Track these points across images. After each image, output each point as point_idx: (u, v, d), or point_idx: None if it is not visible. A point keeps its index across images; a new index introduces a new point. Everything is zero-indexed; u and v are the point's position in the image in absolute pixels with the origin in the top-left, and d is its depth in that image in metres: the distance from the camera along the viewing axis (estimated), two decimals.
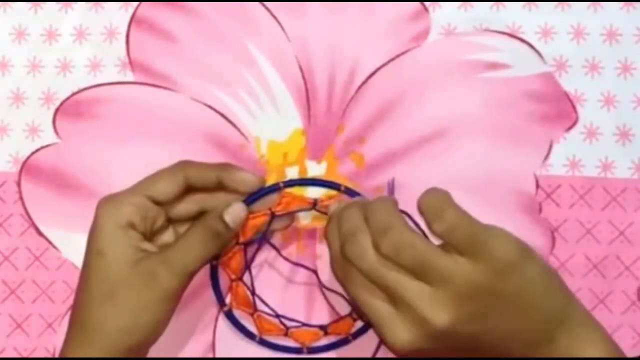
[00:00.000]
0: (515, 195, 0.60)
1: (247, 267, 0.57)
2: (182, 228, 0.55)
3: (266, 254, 0.60)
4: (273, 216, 0.55)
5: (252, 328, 0.58)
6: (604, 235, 0.60)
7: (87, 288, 0.52)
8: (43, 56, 0.61)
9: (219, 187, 0.54)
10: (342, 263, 0.49)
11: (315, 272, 0.59)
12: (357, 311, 0.56)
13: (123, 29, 0.61)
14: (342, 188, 0.56)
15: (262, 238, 0.56)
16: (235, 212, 0.53)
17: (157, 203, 0.54)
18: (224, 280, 0.57)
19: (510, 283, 0.47)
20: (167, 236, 0.55)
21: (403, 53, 0.61)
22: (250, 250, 0.57)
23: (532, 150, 0.60)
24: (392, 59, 0.61)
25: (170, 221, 0.55)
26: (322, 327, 0.58)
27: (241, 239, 0.55)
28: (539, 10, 0.61)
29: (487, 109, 0.60)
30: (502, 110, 0.60)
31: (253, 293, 0.57)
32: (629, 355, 0.59)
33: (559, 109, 0.60)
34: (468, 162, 0.60)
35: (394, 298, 0.48)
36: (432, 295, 0.47)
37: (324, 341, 0.58)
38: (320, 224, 0.60)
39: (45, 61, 0.61)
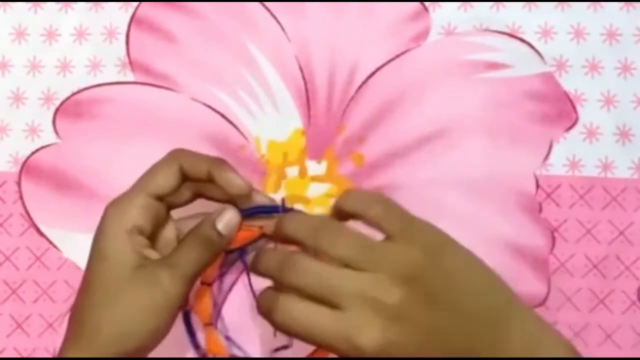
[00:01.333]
0: (515, 195, 0.60)
1: (218, 310, 0.56)
2: (183, 223, 0.55)
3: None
4: (263, 235, 0.53)
5: None
6: (604, 235, 0.60)
7: (88, 291, 0.52)
8: (43, 56, 0.61)
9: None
10: (274, 299, 0.48)
11: None
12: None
13: (123, 29, 0.61)
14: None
15: (241, 254, 0.54)
16: (225, 219, 0.52)
17: (159, 198, 0.54)
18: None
19: (447, 261, 0.47)
20: (168, 231, 0.55)
21: (403, 53, 0.61)
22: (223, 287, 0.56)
23: (532, 150, 0.60)
24: (392, 59, 0.61)
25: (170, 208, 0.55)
26: None
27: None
28: (539, 10, 0.61)
29: (487, 109, 0.60)
30: (502, 110, 0.60)
31: (227, 338, 0.56)
32: (631, 355, 0.59)
33: (559, 109, 0.60)
34: (468, 162, 0.60)
35: (340, 302, 0.46)
36: (377, 278, 0.46)
37: None
38: None
39: (45, 61, 0.61)
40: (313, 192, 0.60)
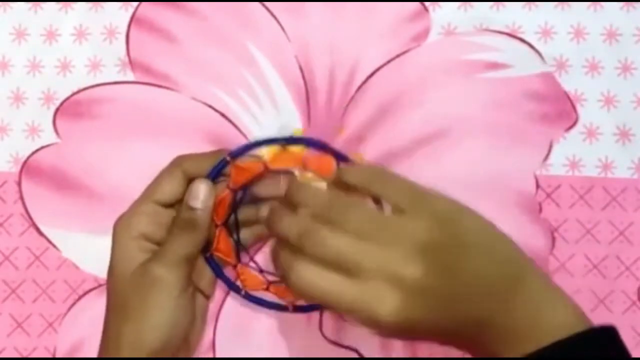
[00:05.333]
0: (515, 195, 0.60)
1: (234, 212, 0.57)
2: None
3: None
4: (266, 169, 0.56)
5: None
6: (604, 235, 0.60)
7: (108, 308, 0.54)
8: (43, 56, 0.62)
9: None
10: (290, 259, 0.48)
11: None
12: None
13: (123, 29, 0.61)
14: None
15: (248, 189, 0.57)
16: (194, 194, 0.54)
17: (167, 205, 0.54)
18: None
19: (460, 229, 0.48)
20: None
21: (403, 53, 0.61)
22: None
23: (532, 150, 0.60)
24: (392, 59, 0.61)
25: None
26: None
27: (231, 185, 0.55)
28: (539, 10, 0.61)
29: (487, 109, 0.60)
30: (502, 110, 0.60)
31: (237, 243, 0.57)
32: (631, 355, 0.59)
33: (559, 109, 0.60)
34: (468, 162, 0.60)
35: (359, 274, 0.46)
36: (394, 253, 0.46)
37: None
38: None
39: (45, 61, 0.61)
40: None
